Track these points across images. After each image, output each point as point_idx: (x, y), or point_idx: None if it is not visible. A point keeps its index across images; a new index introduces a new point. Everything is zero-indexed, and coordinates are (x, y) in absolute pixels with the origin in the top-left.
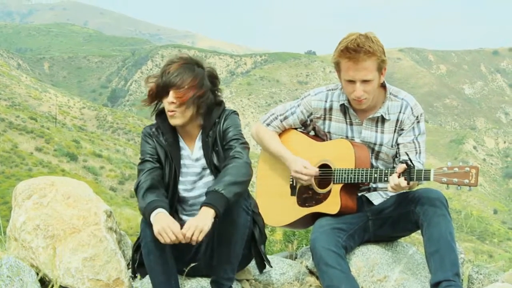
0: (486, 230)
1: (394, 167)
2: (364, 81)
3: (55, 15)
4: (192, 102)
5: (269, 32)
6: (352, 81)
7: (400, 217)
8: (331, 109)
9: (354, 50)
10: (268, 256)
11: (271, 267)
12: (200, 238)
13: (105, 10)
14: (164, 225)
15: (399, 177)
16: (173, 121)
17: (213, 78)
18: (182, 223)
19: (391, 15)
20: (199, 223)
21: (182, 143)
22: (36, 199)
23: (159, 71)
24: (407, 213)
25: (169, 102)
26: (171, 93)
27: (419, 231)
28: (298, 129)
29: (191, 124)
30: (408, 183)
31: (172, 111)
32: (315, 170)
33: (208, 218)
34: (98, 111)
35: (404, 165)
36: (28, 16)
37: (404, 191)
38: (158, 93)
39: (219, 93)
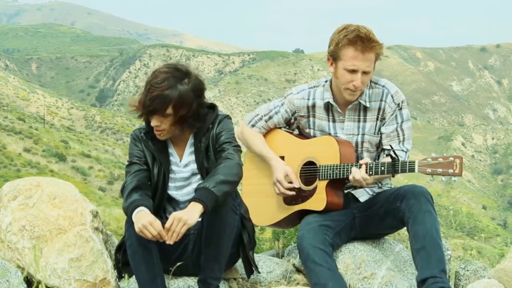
0: (475, 226)
1: (378, 157)
2: (364, 72)
3: (43, 15)
4: (179, 121)
5: (257, 31)
6: (354, 71)
7: (386, 214)
8: (314, 106)
9: (367, 39)
10: (255, 255)
11: (259, 273)
12: (182, 231)
13: (93, 10)
14: (145, 222)
15: (363, 169)
16: (159, 138)
17: (199, 90)
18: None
19: (379, 13)
20: (184, 216)
21: (171, 149)
22: (22, 200)
23: (144, 86)
24: (393, 210)
25: (153, 125)
26: (155, 117)
27: (406, 228)
28: (283, 128)
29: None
30: (393, 176)
31: (158, 131)
32: (295, 184)
33: (195, 212)
34: (86, 111)
35: (367, 159)
36: (15, 17)
37: (365, 186)
38: (142, 115)
39: (204, 101)
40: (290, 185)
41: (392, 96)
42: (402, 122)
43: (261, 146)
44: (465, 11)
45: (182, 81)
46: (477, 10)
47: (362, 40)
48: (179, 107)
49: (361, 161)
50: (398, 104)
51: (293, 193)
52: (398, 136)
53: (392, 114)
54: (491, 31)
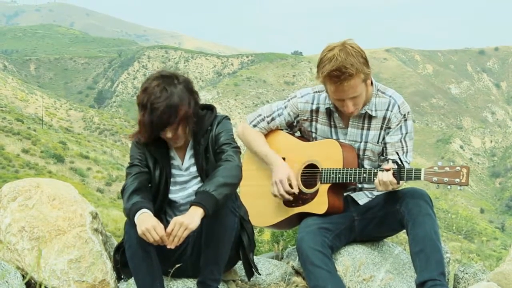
0: (473, 229)
1: (380, 166)
2: (353, 97)
3: (41, 16)
4: (188, 124)
5: (255, 32)
6: (340, 100)
7: (385, 217)
8: (317, 111)
9: (336, 77)
10: (254, 257)
11: (260, 274)
12: (184, 235)
13: (91, 11)
14: (149, 226)
15: (390, 173)
16: (176, 145)
17: (190, 86)
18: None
19: (377, 15)
20: (185, 220)
21: (172, 153)
22: (22, 201)
23: (141, 103)
24: (392, 213)
25: (168, 137)
26: (168, 130)
27: (405, 231)
28: (284, 130)
29: None
30: (398, 183)
31: (174, 140)
32: (295, 190)
33: (196, 216)
34: (84, 112)
35: (391, 164)
36: (14, 18)
37: (390, 190)
38: (151, 133)
39: (198, 98)
40: (290, 189)
41: (399, 106)
42: (406, 133)
43: (262, 146)
44: (464, 14)
45: (174, 83)
46: (476, 13)
47: (333, 78)
48: (183, 109)
49: (386, 166)
50: (404, 115)
51: (290, 197)
52: (402, 148)
53: (397, 124)
54: (490, 34)
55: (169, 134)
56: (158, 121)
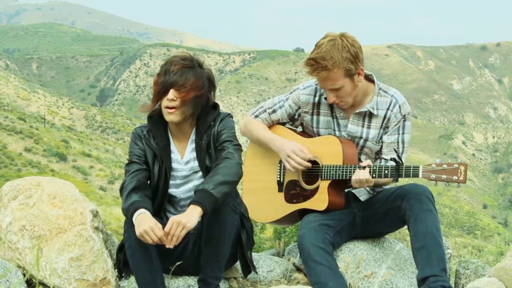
0: (475, 225)
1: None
2: (334, 89)
3: (43, 15)
4: (192, 103)
5: (257, 29)
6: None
7: (386, 213)
8: (319, 103)
9: (310, 65)
10: (255, 254)
11: (256, 273)
12: (182, 235)
13: (93, 10)
14: (146, 227)
15: (367, 171)
16: (170, 118)
17: (211, 81)
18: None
19: (378, 11)
20: (183, 219)
21: (172, 147)
22: (22, 199)
23: (160, 69)
24: (393, 209)
25: (169, 99)
26: (172, 91)
27: (407, 227)
28: (286, 125)
29: (184, 124)
30: (396, 180)
31: (172, 108)
32: (309, 156)
33: (194, 215)
34: (87, 110)
35: (368, 161)
36: (15, 17)
37: (364, 187)
38: (159, 92)
39: (213, 96)
40: (307, 155)
41: (399, 106)
42: (403, 134)
43: (264, 133)
44: (465, 10)
45: (199, 67)
46: (477, 8)
47: (310, 64)
48: (198, 87)
49: (364, 163)
50: (404, 116)
51: (309, 164)
52: (399, 148)
53: (396, 124)
54: (492, 29)
55: (169, 96)
56: (170, 78)
